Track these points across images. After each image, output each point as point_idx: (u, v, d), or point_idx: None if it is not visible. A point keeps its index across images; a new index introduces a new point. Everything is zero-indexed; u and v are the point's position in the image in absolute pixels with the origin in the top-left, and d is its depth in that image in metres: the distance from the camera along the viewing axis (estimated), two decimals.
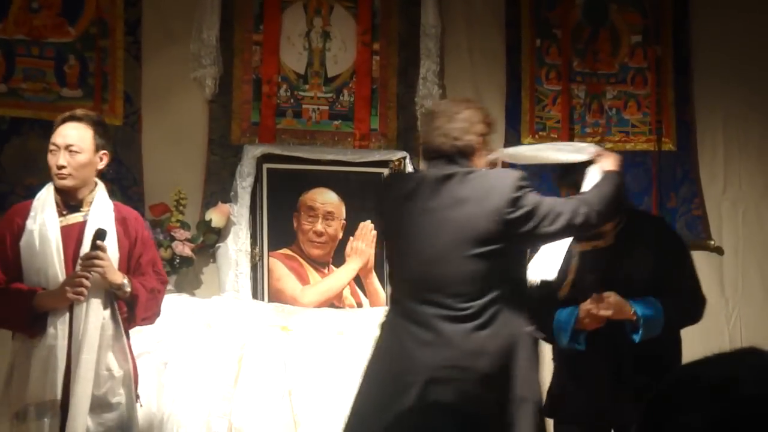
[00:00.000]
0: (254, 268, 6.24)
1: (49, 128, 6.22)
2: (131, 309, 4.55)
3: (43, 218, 4.56)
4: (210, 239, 6.27)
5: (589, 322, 4.55)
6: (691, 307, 4.73)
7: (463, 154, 4.14)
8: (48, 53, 6.32)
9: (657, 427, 1.40)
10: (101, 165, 4.66)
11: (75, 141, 4.57)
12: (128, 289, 4.49)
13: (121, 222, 4.64)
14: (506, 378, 4.04)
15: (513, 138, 6.64)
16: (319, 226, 6.35)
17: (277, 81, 6.58)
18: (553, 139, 6.65)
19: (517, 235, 4.08)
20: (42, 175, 6.24)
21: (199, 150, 6.46)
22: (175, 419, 5.38)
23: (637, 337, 4.56)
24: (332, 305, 6.20)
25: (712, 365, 1.46)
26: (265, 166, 6.38)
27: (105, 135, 4.65)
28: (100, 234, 4.45)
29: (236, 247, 6.24)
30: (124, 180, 6.34)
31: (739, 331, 6.63)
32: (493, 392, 3.99)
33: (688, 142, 6.70)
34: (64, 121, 4.65)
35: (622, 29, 6.76)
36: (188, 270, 6.28)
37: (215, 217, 6.26)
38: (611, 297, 4.54)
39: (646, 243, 4.68)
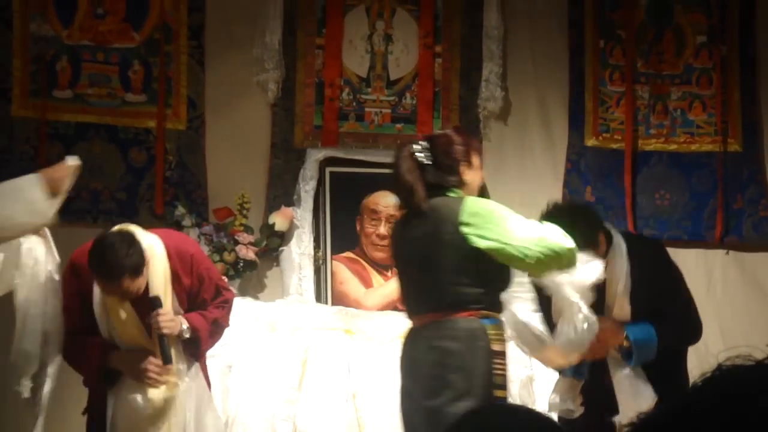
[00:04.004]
0: (317, 271, 6.25)
1: (114, 133, 6.33)
2: (195, 346, 4.58)
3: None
4: (273, 243, 6.29)
5: (590, 352, 4.50)
6: (685, 331, 4.69)
7: None
8: (113, 59, 6.37)
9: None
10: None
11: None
12: (188, 335, 4.53)
13: (179, 257, 4.59)
14: None
15: (577, 140, 6.60)
16: (382, 229, 6.35)
17: (340, 84, 6.59)
18: (616, 141, 6.61)
19: None
20: (107, 180, 6.32)
21: (262, 154, 6.49)
22: (239, 422, 5.40)
23: (631, 363, 4.53)
24: (395, 308, 6.19)
25: None
26: (328, 169, 6.39)
27: None
28: (155, 303, 4.46)
29: (299, 251, 6.26)
30: (188, 184, 6.38)
31: None
32: None
33: (754, 142, 6.62)
34: None
35: (687, 29, 6.69)
36: (252, 274, 6.30)
37: (278, 220, 6.28)
38: (605, 322, 4.48)
39: (640, 268, 4.61)
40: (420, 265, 4.27)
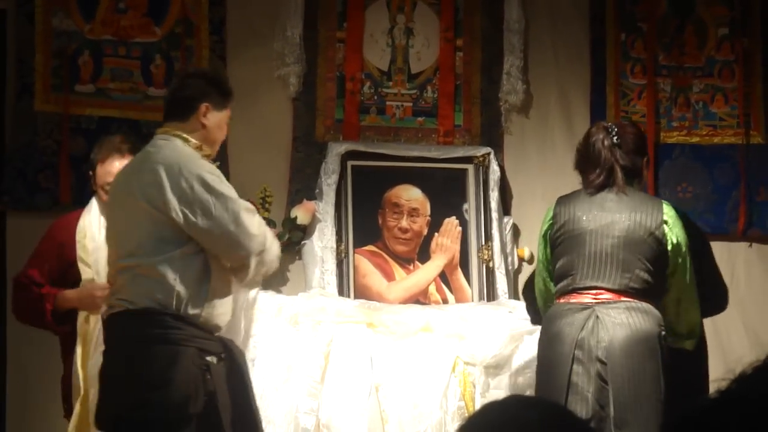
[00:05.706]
0: (340, 264, 6.25)
1: (136, 127, 6.34)
2: None
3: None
4: (295, 236, 6.30)
5: None
6: (714, 297, 4.93)
7: None
8: (135, 53, 6.38)
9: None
10: None
11: None
12: None
13: None
14: None
15: None
16: (404, 223, 6.35)
17: (361, 78, 6.59)
18: None
19: None
20: None
21: (284, 148, 6.49)
22: (262, 416, 5.39)
23: None
24: (418, 301, 6.20)
25: None
26: (350, 163, 6.39)
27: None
28: None
29: (322, 244, 6.26)
30: None
31: None
32: None
33: None
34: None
35: (709, 22, 6.67)
36: None
37: (300, 214, 6.28)
38: None
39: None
40: (622, 243, 4.42)
